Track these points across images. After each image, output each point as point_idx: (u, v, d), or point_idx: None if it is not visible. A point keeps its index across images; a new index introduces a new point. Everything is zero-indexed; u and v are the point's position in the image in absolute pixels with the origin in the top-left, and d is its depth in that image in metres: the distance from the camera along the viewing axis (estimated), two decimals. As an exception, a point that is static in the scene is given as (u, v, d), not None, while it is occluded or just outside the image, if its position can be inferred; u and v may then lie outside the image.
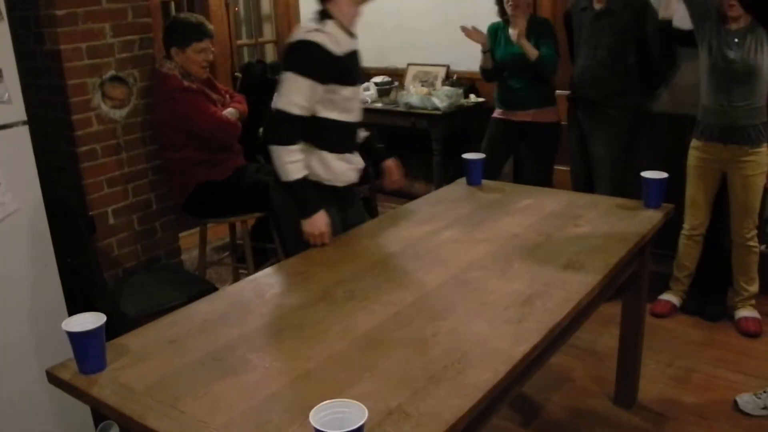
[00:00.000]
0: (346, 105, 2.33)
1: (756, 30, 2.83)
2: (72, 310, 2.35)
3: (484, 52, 3.58)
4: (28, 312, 2.29)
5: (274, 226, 3.35)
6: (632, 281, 2.38)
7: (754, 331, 3.06)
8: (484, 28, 3.65)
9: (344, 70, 2.27)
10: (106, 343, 1.55)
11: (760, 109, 2.93)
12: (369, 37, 5.22)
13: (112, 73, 2.83)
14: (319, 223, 2.28)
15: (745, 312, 3.13)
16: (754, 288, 3.15)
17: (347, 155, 2.43)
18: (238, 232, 3.65)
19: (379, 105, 4.74)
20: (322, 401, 1.26)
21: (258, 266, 3.28)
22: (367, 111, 4.72)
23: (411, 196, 4.79)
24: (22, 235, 2.24)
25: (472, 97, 4.63)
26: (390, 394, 1.39)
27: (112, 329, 1.60)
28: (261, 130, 2.48)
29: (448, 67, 4.81)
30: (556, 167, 3.77)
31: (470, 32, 3.57)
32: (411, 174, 5.11)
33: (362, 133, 2.67)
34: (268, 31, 5.38)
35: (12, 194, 2.20)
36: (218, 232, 4.30)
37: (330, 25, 2.24)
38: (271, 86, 2.41)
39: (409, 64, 5.01)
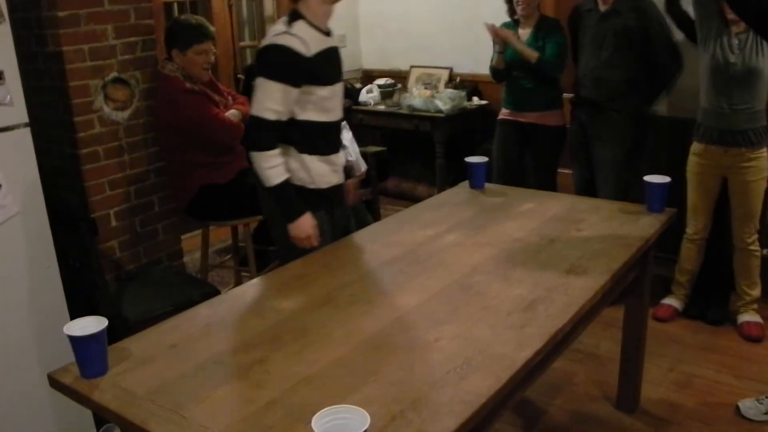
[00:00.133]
0: (324, 105, 2.32)
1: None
2: (73, 313, 2.35)
3: (500, 52, 3.57)
4: (29, 314, 2.28)
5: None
6: (634, 285, 2.37)
7: (756, 335, 3.05)
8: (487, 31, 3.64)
9: (317, 70, 2.25)
10: (108, 346, 1.55)
11: (761, 113, 2.92)
12: (372, 40, 5.27)
13: (114, 74, 2.83)
14: (304, 226, 2.28)
15: (748, 316, 3.12)
16: (756, 292, 3.14)
17: (330, 156, 2.41)
18: (241, 235, 3.65)
19: (382, 107, 4.74)
20: (325, 407, 1.26)
21: (260, 269, 3.29)
22: (370, 113, 4.76)
23: (414, 199, 4.80)
24: (23, 238, 2.24)
25: (475, 100, 4.63)
26: (392, 399, 1.39)
27: (114, 332, 1.60)
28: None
29: (451, 69, 4.81)
30: (560, 170, 3.76)
31: (497, 31, 3.51)
32: (414, 176, 5.11)
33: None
34: (271, 33, 5.37)
35: (13, 197, 2.20)
36: (220, 235, 4.29)
37: (299, 26, 2.23)
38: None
39: (412, 67, 5.01)
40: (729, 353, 2.97)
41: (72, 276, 2.48)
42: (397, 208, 4.53)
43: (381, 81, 4.95)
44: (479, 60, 4.16)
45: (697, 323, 3.22)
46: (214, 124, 2.99)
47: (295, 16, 2.25)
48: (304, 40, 2.20)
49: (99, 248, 2.82)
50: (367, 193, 4.17)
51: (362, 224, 3.53)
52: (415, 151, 4.99)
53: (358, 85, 5.04)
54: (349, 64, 5.24)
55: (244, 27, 5.15)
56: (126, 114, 2.90)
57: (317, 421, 1.20)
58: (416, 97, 4.55)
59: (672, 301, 3.31)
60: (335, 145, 2.45)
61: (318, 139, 2.35)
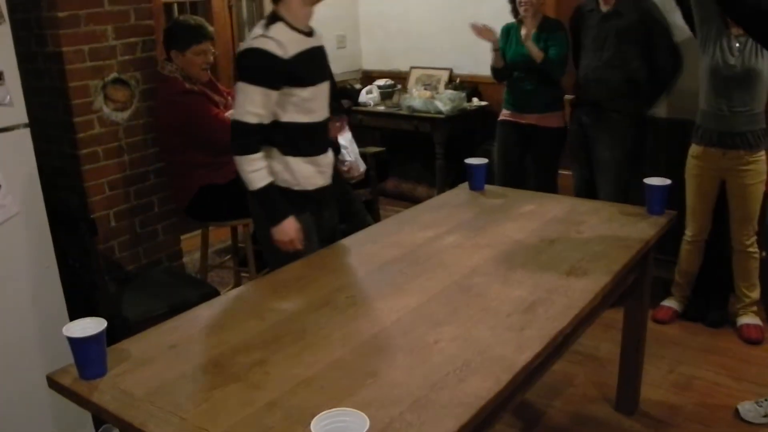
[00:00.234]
0: (306, 106, 2.31)
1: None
2: (73, 313, 2.35)
3: (494, 50, 3.56)
4: (29, 315, 2.28)
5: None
6: (634, 287, 2.37)
7: (755, 338, 3.05)
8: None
9: (296, 71, 2.24)
10: (107, 347, 1.55)
11: (760, 115, 2.92)
12: (372, 40, 5.26)
13: (114, 75, 2.83)
14: (288, 230, 2.29)
15: (747, 319, 3.12)
16: (755, 294, 3.14)
17: (315, 158, 2.40)
18: (240, 235, 3.64)
19: (381, 108, 4.74)
20: (324, 409, 1.26)
21: (260, 270, 3.28)
22: (370, 114, 4.76)
23: (413, 200, 4.80)
24: (23, 238, 2.24)
25: (475, 101, 4.63)
26: (391, 402, 1.39)
27: (113, 332, 1.59)
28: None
29: (451, 70, 4.81)
30: (560, 171, 3.76)
31: (480, 30, 3.54)
32: (413, 177, 5.11)
33: None
34: (271, 34, 5.37)
35: (13, 197, 2.20)
36: (220, 235, 4.29)
37: (276, 29, 2.23)
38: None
39: (412, 68, 5.01)
40: (728, 355, 2.97)
41: (71, 276, 2.48)
42: (396, 209, 4.53)
43: (381, 82, 4.95)
44: (479, 61, 4.16)
45: (696, 325, 3.22)
46: (213, 124, 2.99)
47: (273, 18, 2.26)
48: (281, 43, 2.20)
49: (99, 249, 2.81)
50: (367, 194, 4.17)
51: (362, 225, 3.53)
52: (414, 152, 4.99)
53: (357, 86, 5.03)
54: (348, 64, 5.24)
55: (244, 27, 5.14)
56: (126, 114, 2.89)
57: (316, 424, 1.20)
58: (416, 98, 4.54)
59: (671, 303, 3.31)
60: (320, 146, 2.43)
61: (302, 140, 2.35)
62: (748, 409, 2.54)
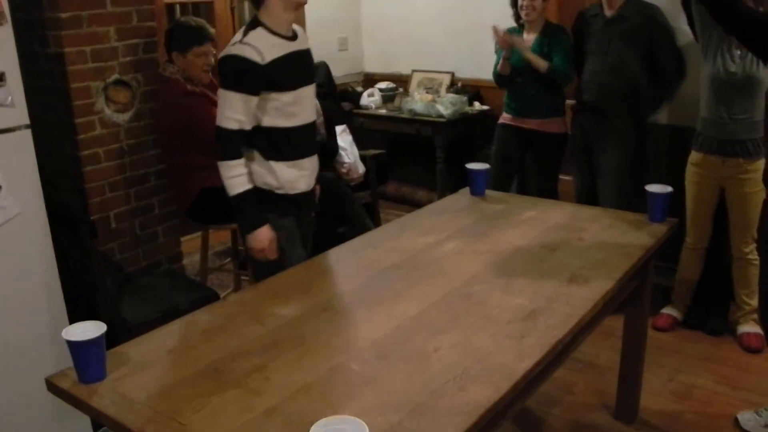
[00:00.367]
0: (288, 110, 2.33)
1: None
2: (73, 315, 2.35)
3: (506, 58, 3.55)
4: (28, 316, 2.28)
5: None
6: (635, 295, 2.37)
7: (756, 346, 3.04)
8: (490, 36, 3.63)
9: (274, 76, 2.26)
10: (107, 351, 1.54)
11: (759, 123, 2.92)
12: (374, 43, 5.26)
13: (115, 76, 2.82)
14: (261, 238, 2.32)
15: (747, 327, 3.11)
16: (755, 302, 3.13)
17: (299, 161, 2.42)
18: (240, 238, 3.64)
19: (383, 111, 4.74)
20: (323, 416, 1.26)
21: (259, 273, 3.27)
22: (371, 117, 4.76)
23: (414, 203, 4.80)
24: (23, 239, 2.23)
25: (477, 105, 4.63)
26: (391, 409, 1.38)
27: (113, 335, 1.59)
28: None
29: (452, 74, 4.81)
30: (561, 177, 3.75)
31: (502, 37, 3.49)
32: (414, 181, 5.11)
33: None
34: (273, 36, 5.37)
35: (13, 198, 2.19)
36: (220, 237, 4.28)
37: (254, 34, 2.26)
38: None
39: (413, 71, 5.01)
40: (728, 364, 2.97)
41: (71, 278, 2.48)
42: (397, 213, 4.53)
43: (382, 85, 4.95)
44: (481, 65, 4.16)
45: (696, 333, 3.22)
46: (214, 126, 2.98)
47: (254, 24, 2.29)
48: (258, 48, 2.23)
49: (99, 250, 2.81)
50: (367, 196, 4.17)
51: (362, 228, 3.54)
52: (415, 155, 4.99)
53: (359, 89, 5.03)
54: (350, 67, 5.24)
55: (247, 29, 5.15)
56: (127, 116, 2.89)
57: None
58: (418, 101, 4.54)
59: (672, 311, 3.31)
60: (304, 150, 2.45)
61: (284, 144, 2.37)
62: (747, 418, 2.54)
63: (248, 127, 2.28)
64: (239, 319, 1.79)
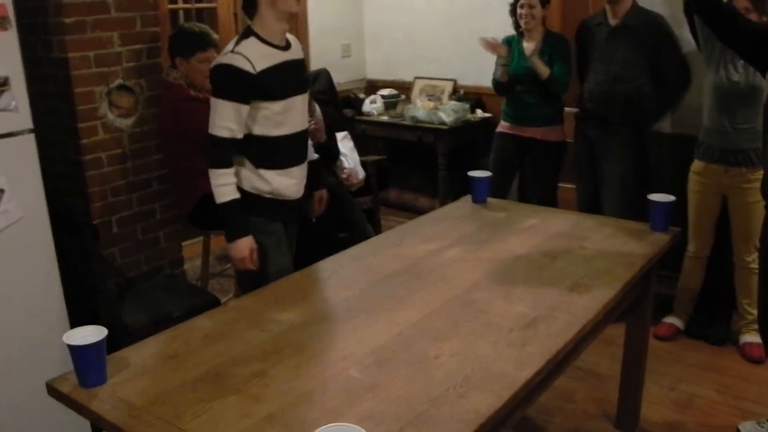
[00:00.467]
0: (279, 119, 2.36)
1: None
2: (74, 319, 2.35)
3: (503, 65, 3.56)
4: (30, 320, 2.28)
5: None
6: (636, 304, 2.36)
7: (758, 356, 3.03)
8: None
9: (265, 85, 2.29)
10: (107, 355, 1.54)
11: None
12: (377, 50, 5.28)
13: (119, 81, 2.83)
14: (242, 248, 2.34)
15: (749, 337, 3.10)
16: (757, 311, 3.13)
17: (289, 170, 2.45)
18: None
19: (385, 118, 4.75)
20: (323, 423, 1.26)
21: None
22: (373, 124, 4.76)
23: (415, 210, 4.80)
24: (25, 243, 2.24)
25: (479, 112, 4.64)
26: (391, 416, 1.38)
27: (113, 339, 1.59)
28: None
29: (455, 81, 4.82)
30: (562, 185, 3.76)
31: (491, 45, 3.53)
32: (415, 188, 5.11)
33: (310, 154, 2.69)
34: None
35: (16, 202, 2.19)
36: (221, 242, 4.27)
37: (246, 44, 2.29)
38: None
39: (416, 78, 5.02)
40: (730, 374, 2.96)
41: (73, 282, 2.48)
42: (398, 220, 4.53)
43: (385, 92, 4.96)
44: (484, 72, 4.16)
45: (698, 342, 3.21)
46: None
47: (246, 33, 2.32)
48: (249, 58, 2.26)
49: (100, 254, 2.81)
50: (368, 202, 4.17)
51: (362, 233, 3.54)
52: (417, 162, 4.99)
53: (361, 95, 5.04)
54: (353, 73, 5.25)
55: (250, 35, 5.16)
56: (130, 121, 2.89)
57: (316, 439, 1.19)
58: (420, 108, 4.55)
59: (673, 320, 3.30)
60: (295, 158, 2.47)
61: (275, 153, 2.40)
62: (749, 429, 2.53)
63: (239, 135, 2.32)
64: (240, 324, 1.79)
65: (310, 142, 2.76)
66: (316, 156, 2.78)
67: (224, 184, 2.32)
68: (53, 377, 1.56)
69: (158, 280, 3.01)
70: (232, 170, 2.34)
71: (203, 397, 1.46)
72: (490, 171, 3.71)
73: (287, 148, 2.44)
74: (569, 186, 3.76)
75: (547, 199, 3.54)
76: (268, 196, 2.42)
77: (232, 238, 2.35)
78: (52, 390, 1.53)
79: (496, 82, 3.66)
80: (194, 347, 1.68)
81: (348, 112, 4.84)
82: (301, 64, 2.48)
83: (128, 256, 2.97)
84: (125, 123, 2.88)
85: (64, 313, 2.37)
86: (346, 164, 3.94)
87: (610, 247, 2.24)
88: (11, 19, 2.13)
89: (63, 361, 1.55)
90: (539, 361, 1.57)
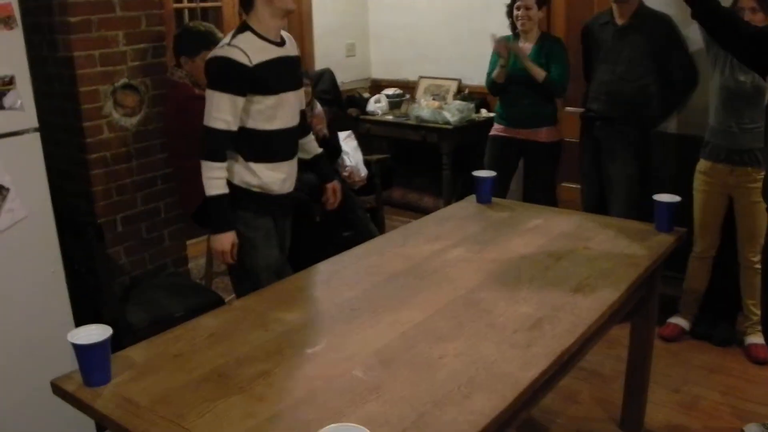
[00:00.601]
0: (272, 113, 2.40)
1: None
2: (78, 318, 2.35)
3: (503, 66, 3.56)
4: (34, 319, 2.28)
5: None
6: (641, 304, 2.35)
7: (763, 358, 3.02)
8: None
9: (260, 79, 2.32)
10: (111, 354, 1.54)
11: None
12: (381, 49, 5.27)
13: (124, 80, 2.83)
14: (224, 242, 2.39)
15: (755, 338, 3.09)
16: (763, 312, 3.11)
17: (279, 164, 2.48)
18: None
19: (389, 117, 4.75)
20: (327, 423, 1.25)
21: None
22: (378, 123, 4.76)
23: (419, 210, 4.79)
24: (30, 242, 2.24)
25: (484, 112, 4.63)
26: (395, 417, 1.38)
27: (117, 338, 1.59)
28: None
29: (459, 81, 4.81)
30: (567, 185, 3.75)
31: (501, 45, 3.51)
32: (420, 188, 5.10)
33: (314, 149, 2.74)
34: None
35: (21, 201, 2.20)
36: (225, 241, 4.29)
37: (242, 38, 2.32)
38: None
39: (420, 77, 5.02)
40: (735, 375, 2.95)
41: (77, 281, 2.48)
42: (402, 219, 4.52)
43: (389, 91, 4.96)
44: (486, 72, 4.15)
45: (703, 343, 3.20)
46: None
47: (242, 28, 2.35)
48: (245, 51, 2.29)
49: (105, 253, 2.81)
50: (372, 201, 4.17)
51: (365, 232, 3.54)
52: (421, 162, 4.99)
53: (366, 95, 5.04)
54: (357, 73, 5.25)
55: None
56: (135, 120, 2.90)
57: (320, 439, 1.19)
58: (424, 108, 4.55)
59: (679, 321, 3.29)
60: (285, 153, 2.51)
61: (266, 146, 2.44)
62: (754, 431, 2.52)
63: (234, 127, 2.35)
64: (244, 324, 1.79)
65: (312, 137, 2.78)
66: (320, 150, 2.79)
67: (215, 177, 2.35)
68: (58, 376, 1.56)
69: (162, 278, 3.02)
70: (224, 165, 2.37)
71: (207, 397, 1.46)
72: None
73: (278, 142, 2.47)
74: (574, 186, 3.75)
75: (546, 200, 3.53)
76: (257, 190, 2.46)
77: (216, 230, 2.39)
78: (57, 389, 1.53)
79: (492, 83, 3.66)
80: (198, 347, 1.68)
81: (352, 111, 4.85)
82: (296, 62, 2.51)
83: (133, 255, 2.97)
84: (130, 122, 2.88)
85: (68, 311, 2.37)
86: (347, 162, 3.94)
87: (614, 248, 2.23)
88: (17, 19, 2.14)
89: (68, 359, 1.55)
90: (544, 362, 1.57)
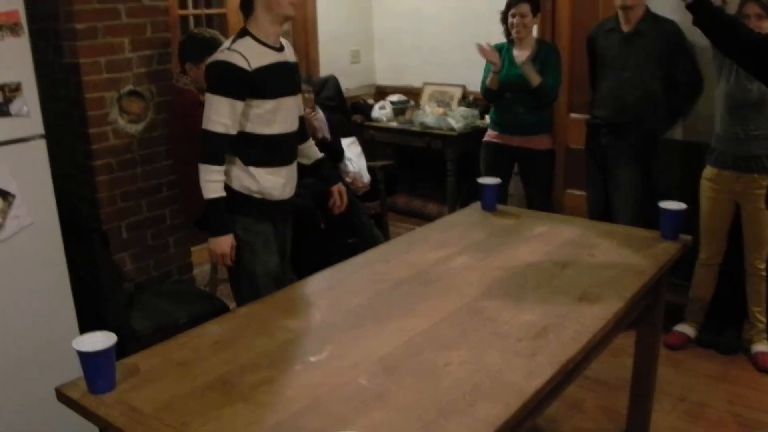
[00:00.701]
0: (271, 118, 2.41)
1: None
2: (83, 325, 2.35)
3: (495, 72, 3.56)
4: (39, 325, 2.28)
5: None
6: (647, 312, 2.34)
7: (769, 366, 3.01)
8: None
9: (259, 83, 2.34)
10: (116, 361, 1.54)
11: None
12: (386, 55, 5.28)
13: (129, 87, 2.84)
14: (222, 245, 2.40)
15: (761, 347, 3.07)
16: (769, 319, 3.10)
17: (278, 168, 2.49)
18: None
19: (394, 124, 4.75)
20: (331, 431, 1.25)
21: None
22: (382, 129, 4.76)
23: (424, 216, 4.79)
24: (35, 249, 2.25)
25: (488, 119, 4.61)
26: (399, 426, 1.37)
27: (122, 345, 1.59)
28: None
29: (464, 87, 4.81)
30: (572, 192, 3.74)
31: (486, 51, 3.54)
32: (424, 194, 5.10)
33: (315, 153, 2.74)
34: (286, 48, 5.40)
35: (27, 207, 2.20)
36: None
37: (242, 42, 2.34)
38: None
39: (425, 84, 5.02)
40: (741, 383, 2.93)
41: (82, 287, 2.48)
42: (407, 226, 4.52)
43: (394, 98, 4.96)
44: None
45: (709, 351, 3.18)
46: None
47: (242, 33, 2.38)
48: (245, 55, 2.31)
49: (110, 260, 2.82)
50: (376, 207, 4.17)
51: (370, 238, 3.54)
52: (426, 168, 4.99)
53: (370, 101, 5.04)
54: (362, 79, 5.26)
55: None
56: (140, 127, 2.91)
57: (324, 448, 1.19)
58: (429, 114, 4.55)
59: (684, 328, 3.27)
60: (284, 158, 2.52)
61: (265, 151, 2.45)
62: (760, 439, 2.51)
63: (233, 131, 2.36)
64: (248, 331, 1.79)
65: (312, 143, 2.78)
66: (321, 155, 2.79)
67: (213, 181, 2.36)
68: (63, 382, 1.56)
69: (167, 285, 3.02)
70: (222, 168, 2.38)
71: (211, 405, 1.46)
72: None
73: (277, 146, 2.48)
74: (579, 192, 3.74)
75: (542, 206, 3.51)
76: (257, 195, 2.47)
77: (214, 233, 2.40)
78: (62, 396, 1.53)
79: (486, 89, 3.66)
80: (203, 354, 1.67)
81: (357, 118, 4.85)
82: (294, 67, 2.53)
83: (138, 262, 2.98)
84: (135, 128, 2.89)
85: (73, 318, 2.37)
86: (350, 168, 3.94)
87: (619, 256, 2.22)
88: (23, 25, 2.15)
89: (73, 366, 1.55)
90: (549, 371, 1.56)
